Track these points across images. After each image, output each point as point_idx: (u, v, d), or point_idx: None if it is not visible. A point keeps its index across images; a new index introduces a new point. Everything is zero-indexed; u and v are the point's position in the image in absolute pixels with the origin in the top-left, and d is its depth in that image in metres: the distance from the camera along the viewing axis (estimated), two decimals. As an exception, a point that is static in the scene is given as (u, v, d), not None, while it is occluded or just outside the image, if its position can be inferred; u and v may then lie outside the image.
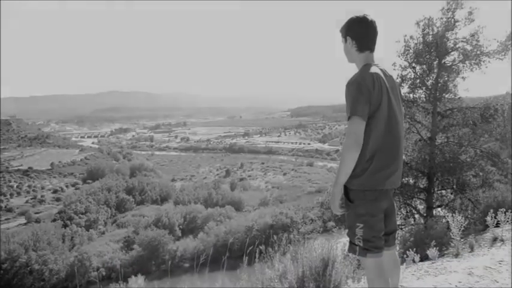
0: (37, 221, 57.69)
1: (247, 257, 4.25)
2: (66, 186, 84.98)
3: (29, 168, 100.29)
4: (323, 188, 67.64)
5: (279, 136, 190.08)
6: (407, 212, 12.05)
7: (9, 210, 67.81)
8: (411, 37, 11.34)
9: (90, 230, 51.75)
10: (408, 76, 11.63)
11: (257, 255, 4.01)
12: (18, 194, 78.90)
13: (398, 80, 11.59)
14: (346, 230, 2.86)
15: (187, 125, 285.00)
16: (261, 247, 4.32)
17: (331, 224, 48.54)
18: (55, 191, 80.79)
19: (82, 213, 56.92)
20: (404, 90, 11.66)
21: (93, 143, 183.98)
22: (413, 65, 11.49)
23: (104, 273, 39.21)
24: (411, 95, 11.68)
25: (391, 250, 2.95)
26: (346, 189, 2.78)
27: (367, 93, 2.58)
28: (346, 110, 2.62)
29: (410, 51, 11.39)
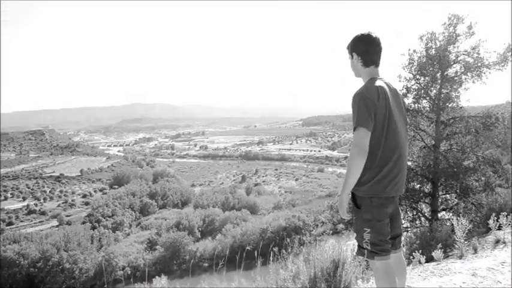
0: (68, 223, 58.26)
1: (262, 258, 4.24)
2: (95, 191, 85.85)
3: (61, 174, 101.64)
4: (333, 192, 67.42)
5: (291, 144, 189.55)
6: (413, 215, 11.92)
7: (43, 213, 68.61)
8: (415, 51, 11.28)
9: (117, 231, 52.15)
10: (413, 87, 11.54)
11: (271, 257, 4.00)
12: (51, 198, 79.93)
13: (404, 91, 11.52)
14: (355, 234, 2.86)
15: (205, 134, 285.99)
16: (275, 249, 4.31)
17: (340, 226, 47.75)
18: (84, 196, 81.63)
19: (109, 216, 57.40)
20: (409, 100, 11.58)
21: (118, 151, 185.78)
22: (418, 76, 11.39)
23: (129, 272, 39.35)
24: (416, 105, 11.58)
25: (398, 252, 2.94)
26: (354, 196, 2.79)
27: (372, 106, 2.58)
28: (352, 121, 2.63)
29: (415, 63, 11.31)
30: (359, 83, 2.86)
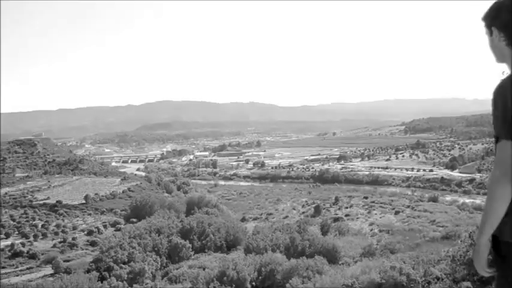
0: (67, 271, 60.19)
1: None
2: (104, 227, 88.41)
3: (58, 202, 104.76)
4: (452, 232, 65.55)
5: (388, 160, 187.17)
6: None
7: (33, 256, 70.60)
8: None
9: (135, 285, 53.18)
10: None
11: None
12: (44, 235, 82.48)
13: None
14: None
15: (261, 145, 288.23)
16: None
17: (465, 285, 46.80)
18: (90, 233, 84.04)
19: (124, 263, 58.61)
20: None
21: (138, 169, 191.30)
22: None
23: None
24: None
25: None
26: (497, 241, 2.66)
27: None
28: (493, 127, 2.52)
29: None
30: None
